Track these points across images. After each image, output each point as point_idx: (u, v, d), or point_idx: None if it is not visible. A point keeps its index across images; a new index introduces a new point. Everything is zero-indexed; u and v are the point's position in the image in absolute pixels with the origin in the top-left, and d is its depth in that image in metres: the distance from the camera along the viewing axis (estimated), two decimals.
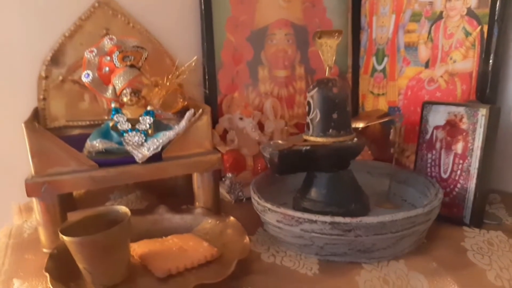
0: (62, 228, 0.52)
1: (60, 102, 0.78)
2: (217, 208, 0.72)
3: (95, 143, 0.66)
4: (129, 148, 0.66)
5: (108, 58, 0.73)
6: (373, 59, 0.94)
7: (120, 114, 0.70)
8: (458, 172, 0.66)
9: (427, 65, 0.81)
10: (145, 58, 0.75)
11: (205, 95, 0.87)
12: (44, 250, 0.62)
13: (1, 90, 0.77)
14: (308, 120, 0.65)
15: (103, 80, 0.73)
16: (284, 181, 0.76)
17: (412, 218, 0.55)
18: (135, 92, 0.72)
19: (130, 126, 0.69)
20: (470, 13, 0.72)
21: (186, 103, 0.84)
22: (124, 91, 0.71)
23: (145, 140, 0.67)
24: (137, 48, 0.74)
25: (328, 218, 0.54)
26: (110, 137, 0.70)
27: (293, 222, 0.57)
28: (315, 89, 0.63)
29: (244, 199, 0.80)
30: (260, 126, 0.87)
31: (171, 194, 0.83)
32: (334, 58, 0.67)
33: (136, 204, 0.80)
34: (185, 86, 0.85)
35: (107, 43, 0.74)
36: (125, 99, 0.72)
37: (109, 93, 0.73)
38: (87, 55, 0.73)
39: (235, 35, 0.86)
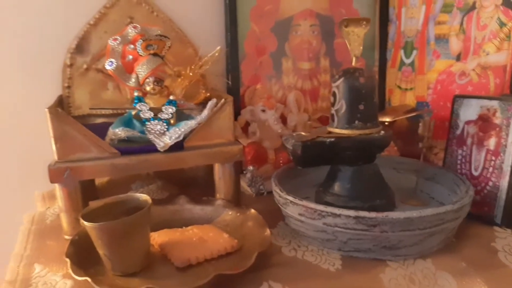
0: (83, 214, 0.52)
1: (84, 90, 0.78)
2: (237, 200, 0.71)
3: (118, 131, 0.66)
4: (151, 136, 0.66)
5: (132, 46, 0.73)
6: (401, 52, 0.91)
7: (142, 103, 0.70)
8: (490, 169, 0.63)
9: (458, 58, 0.78)
10: (169, 47, 0.74)
11: (227, 86, 0.86)
12: (66, 236, 0.63)
13: (27, 78, 0.78)
14: (333, 111, 0.63)
15: (126, 69, 0.73)
16: (306, 175, 0.74)
17: (441, 214, 0.52)
18: (158, 81, 0.72)
19: (152, 114, 0.68)
20: (506, 2, 0.68)
21: (208, 94, 0.83)
22: (147, 80, 0.71)
23: (167, 129, 0.66)
24: (161, 37, 0.73)
25: (352, 212, 0.53)
26: (133, 125, 0.69)
27: (316, 216, 0.55)
28: (341, 79, 0.61)
29: (265, 192, 0.78)
30: (283, 119, 0.86)
31: (192, 185, 0.83)
32: (361, 47, 0.65)
33: (157, 194, 0.79)
34: (208, 76, 0.85)
35: (130, 32, 0.74)
36: (147, 88, 0.71)
37: (132, 81, 0.73)
38: (111, 43, 0.73)
39: (259, 25, 0.85)
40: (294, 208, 0.58)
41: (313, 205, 0.55)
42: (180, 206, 0.69)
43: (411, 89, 0.89)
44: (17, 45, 0.77)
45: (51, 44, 0.77)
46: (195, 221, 0.65)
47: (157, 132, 0.66)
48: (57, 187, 0.61)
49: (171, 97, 0.72)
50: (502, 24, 0.69)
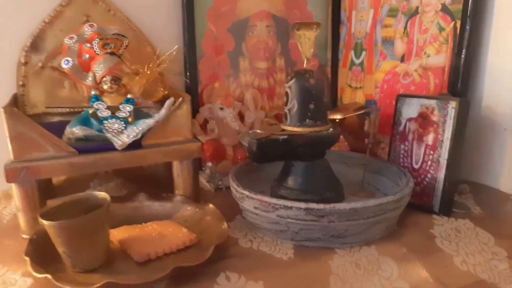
0: (41, 213, 0.52)
1: (40, 89, 0.77)
2: (196, 196, 0.73)
3: (75, 130, 0.67)
4: (108, 135, 0.67)
5: (88, 45, 0.73)
6: (352, 53, 0.96)
7: (100, 102, 0.70)
8: (429, 162, 0.69)
9: (402, 59, 0.83)
10: (126, 46, 0.75)
11: (186, 85, 0.88)
12: (23, 235, 0.63)
13: None
14: (286, 110, 0.67)
15: (83, 67, 0.73)
16: (262, 170, 0.78)
17: (383, 205, 0.57)
18: (115, 80, 0.73)
19: (110, 113, 0.69)
20: (444, 9, 0.74)
21: (166, 92, 0.85)
22: (104, 79, 0.72)
23: (125, 128, 0.67)
24: (118, 35, 0.73)
25: (302, 204, 0.56)
26: (90, 124, 0.70)
27: (270, 208, 0.59)
28: (293, 80, 0.65)
29: (224, 188, 0.81)
30: (241, 117, 0.89)
31: (151, 183, 0.84)
32: (312, 50, 0.69)
33: (116, 192, 0.80)
34: (166, 75, 0.86)
35: (87, 30, 0.74)
36: (105, 87, 0.72)
37: (89, 80, 0.73)
38: (67, 41, 0.73)
39: (216, 25, 0.87)
40: (250, 202, 0.61)
41: (267, 199, 0.59)
42: (139, 203, 0.71)
43: (360, 87, 0.95)
44: None
45: (5, 42, 0.76)
46: (154, 218, 0.67)
47: (115, 130, 0.67)
48: (13, 187, 0.61)
49: (129, 96, 0.73)
50: (441, 29, 0.75)
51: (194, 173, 0.73)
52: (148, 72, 0.82)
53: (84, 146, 0.65)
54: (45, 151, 0.61)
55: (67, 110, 0.78)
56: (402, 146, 0.74)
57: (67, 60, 0.72)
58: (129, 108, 0.71)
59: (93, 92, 0.72)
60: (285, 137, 0.64)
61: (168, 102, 0.69)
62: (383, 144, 0.88)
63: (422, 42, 0.79)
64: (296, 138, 0.64)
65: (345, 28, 0.98)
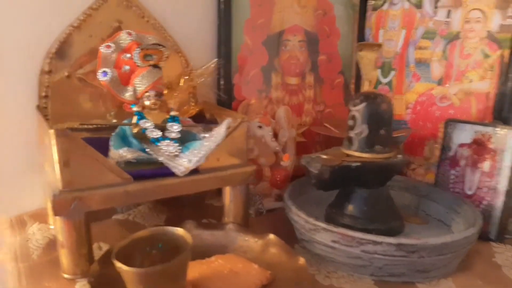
0: (116, 254, 0.45)
1: (64, 101, 0.68)
2: (246, 223, 0.68)
3: (122, 152, 0.59)
4: (161, 158, 0.59)
5: (128, 55, 0.65)
6: (378, 71, 0.95)
7: (145, 120, 0.63)
8: (485, 189, 0.69)
9: (439, 82, 0.84)
10: (166, 58, 0.68)
11: (219, 100, 0.82)
12: (66, 276, 0.54)
13: None
14: (352, 134, 0.64)
15: (121, 80, 0.66)
16: (307, 193, 0.74)
17: (469, 237, 0.56)
18: (159, 95, 0.66)
19: (160, 134, 0.62)
20: (490, 36, 0.75)
21: (199, 107, 0.78)
22: (147, 94, 0.65)
23: (182, 151, 0.60)
24: (159, 46, 0.67)
25: (393, 240, 0.54)
26: (129, 143, 0.62)
27: (354, 243, 0.55)
28: (363, 104, 0.62)
29: (264, 212, 0.76)
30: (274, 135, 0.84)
31: (178, 205, 0.77)
32: (373, 72, 0.67)
33: (152, 217, 0.72)
34: (198, 89, 0.80)
35: (125, 38, 0.66)
36: (147, 103, 0.65)
37: (128, 94, 0.66)
38: (104, 50, 0.65)
39: (252, 38, 0.82)
40: (327, 235, 0.57)
41: (351, 233, 0.55)
42: (188, 231, 0.64)
43: None
44: None
45: (27, 47, 0.65)
46: (206, 248, 0.61)
47: (171, 154, 0.60)
48: (58, 221, 0.52)
49: (173, 113, 0.66)
50: (486, 56, 0.76)
51: (246, 199, 0.67)
52: (184, 86, 0.75)
53: (137, 171, 0.57)
54: (99, 178, 0.53)
55: (94, 126, 0.69)
56: (453, 172, 0.73)
57: (105, 71, 0.64)
58: (176, 127, 0.64)
59: (135, 109, 0.65)
60: (358, 164, 0.61)
61: (226, 122, 0.63)
62: (413, 165, 0.88)
63: (463, 67, 0.79)
64: (368, 165, 0.61)
65: None
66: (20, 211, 0.70)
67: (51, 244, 0.61)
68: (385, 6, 0.92)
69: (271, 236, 0.62)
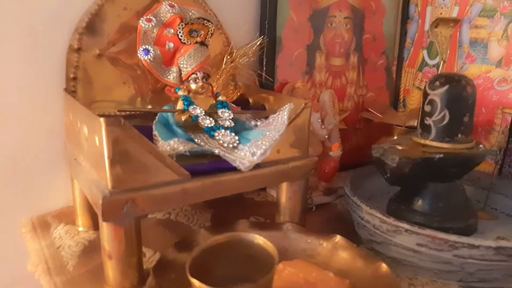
0: (190, 269, 0.37)
1: (95, 84, 0.58)
2: (303, 223, 0.60)
3: (173, 144, 0.50)
4: (218, 151, 0.51)
5: (172, 31, 0.56)
6: (424, 52, 0.88)
7: (194, 106, 0.55)
8: None
9: (498, 65, 0.77)
10: (211, 35, 0.59)
11: (259, 83, 0.73)
12: None
13: (21, 64, 0.56)
14: (429, 122, 0.56)
15: (164, 59, 0.57)
16: (363, 187, 0.67)
17: None
18: (207, 78, 0.57)
19: (213, 122, 0.54)
20: None
21: (241, 91, 0.70)
22: (194, 76, 0.56)
23: (240, 142, 0.52)
24: (204, 20, 0.58)
25: (492, 243, 0.47)
26: (174, 133, 0.54)
27: (445, 247, 0.48)
28: (445, 87, 0.54)
29: (314, 207, 0.69)
30: None
31: (220, 201, 0.69)
32: (448, 51, 0.59)
33: (198, 216, 0.64)
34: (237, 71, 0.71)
35: (166, 11, 0.57)
36: (193, 86, 0.57)
37: (172, 76, 0.57)
38: (144, 24, 0.56)
39: (297, 13, 0.73)
40: (411, 237, 0.50)
41: (443, 235, 0.48)
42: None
43: None
44: (11, 20, 0.54)
45: (54, 20, 0.56)
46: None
47: (230, 145, 0.51)
48: (104, 227, 0.44)
49: (220, 98, 0.58)
50: None
51: (305, 195, 0.60)
52: (227, 67, 0.67)
53: (192, 167, 0.48)
54: (154, 176, 0.45)
55: (129, 112, 0.60)
56: None
57: (147, 49, 0.55)
58: (228, 115, 0.56)
59: (180, 93, 0.56)
60: (441, 156, 0.54)
61: (287, 108, 0.54)
62: None
63: None
64: (451, 157, 0.54)
65: (415, 24, 0.89)
66: (42, 211, 0.62)
67: (87, 252, 0.53)
68: None
69: (338, 237, 0.55)
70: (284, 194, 0.58)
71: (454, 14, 0.82)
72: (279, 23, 0.71)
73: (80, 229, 0.59)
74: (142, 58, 0.55)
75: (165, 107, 0.59)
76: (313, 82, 0.79)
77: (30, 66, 0.56)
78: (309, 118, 0.56)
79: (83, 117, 0.48)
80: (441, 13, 0.84)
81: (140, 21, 0.55)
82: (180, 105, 0.56)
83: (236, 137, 0.52)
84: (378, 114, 0.82)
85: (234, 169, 0.50)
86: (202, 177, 0.48)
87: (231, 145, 0.51)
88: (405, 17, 0.90)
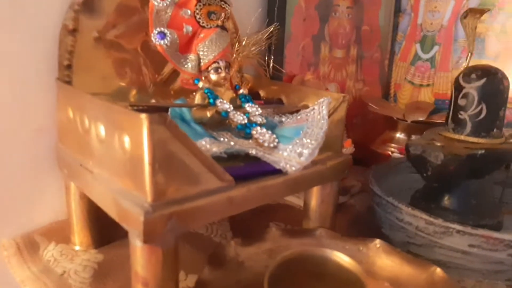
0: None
1: (92, 73, 0.49)
2: (334, 227, 0.55)
3: (206, 145, 0.42)
4: (254, 151, 0.44)
5: (189, 12, 0.48)
6: (417, 46, 0.87)
7: (221, 100, 0.47)
8: None
9: (496, 59, 0.77)
10: (228, 18, 0.52)
11: (266, 75, 0.67)
12: None
13: (5, 47, 0.44)
14: (464, 116, 0.54)
15: (180, 45, 0.49)
16: (384, 181, 0.64)
17: None
18: (229, 67, 0.50)
19: (246, 119, 0.47)
20: None
21: (250, 83, 0.63)
22: (215, 65, 0.49)
23: (279, 140, 0.46)
24: (221, 1, 0.50)
25: None
26: (196, 131, 0.47)
27: (500, 247, 0.46)
28: (483, 80, 0.52)
29: None
30: None
31: None
32: (475, 43, 0.57)
33: (215, 225, 0.56)
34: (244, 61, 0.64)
35: None
36: (214, 77, 0.49)
37: (189, 65, 0.49)
38: (157, 2, 0.47)
39: (306, 0, 0.68)
40: (463, 238, 0.47)
41: (498, 235, 0.46)
42: (273, 242, 0.50)
43: (427, 85, 0.86)
44: None
45: None
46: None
47: (271, 145, 0.45)
48: (139, 249, 0.35)
49: (242, 91, 0.51)
50: None
51: (337, 197, 0.55)
52: (238, 57, 0.59)
53: (231, 170, 0.41)
54: (198, 183, 0.37)
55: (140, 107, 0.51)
56: None
57: (162, 32, 0.46)
58: (256, 109, 0.49)
59: (201, 85, 0.48)
60: (483, 152, 0.51)
61: (326, 103, 0.49)
62: None
63: None
64: (492, 153, 0.52)
65: (408, 18, 0.87)
66: (27, 228, 0.50)
67: (99, 278, 0.43)
68: None
69: (378, 241, 0.51)
70: (316, 197, 0.53)
71: (450, 8, 0.81)
72: (288, 10, 0.65)
73: (77, 248, 0.49)
74: (157, 43, 0.46)
75: (178, 101, 0.51)
76: (318, 74, 0.74)
77: (14, 50, 0.45)
78: (345, 113, 0.51)
79: (99, 113, 0.38)
80: (435, 7, 0.83)
81: None
82: (198, 99, 0.49)
83: (274, 135, 0.46)
84: (377, 108, 0.79)
85: (275, 172, 0.43)
86: (247, 183, 0.41)
87: (271, 145, 0.45)
88: (397, 10, 0.88)
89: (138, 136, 0.33)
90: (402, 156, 0.76)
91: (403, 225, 0.52)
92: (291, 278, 0.35)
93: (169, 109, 0.48)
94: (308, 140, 0.45)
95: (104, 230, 0.50)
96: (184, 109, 0.48)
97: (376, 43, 0.85)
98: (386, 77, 0.90)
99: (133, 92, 0.55)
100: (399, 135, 0.79)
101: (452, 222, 0.47)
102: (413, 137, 0.78)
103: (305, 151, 0.43)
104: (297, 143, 0.45)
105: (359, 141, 0.83)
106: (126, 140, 0.35)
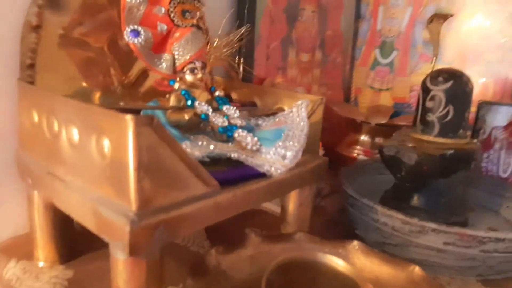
0: None
1: (58, 73, 0.45)
2: (311, 230, 0.55)
3: (186, 148, 0.41)
4: (236, 155, 0.43)
5: (163, 9, 0.46)
6: (376, 51, 0.90)
7: (200, 102, 0.46)
8: None
9: (451, 65, 0.81)
10: (201, 18, 0.51)
11: (237, 78, 0.66)
12: None
13: None
14: (432, 117, 0.56)
15: (154, 44, 0.46)
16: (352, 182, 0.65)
17: None
18: (205, 67, 0.49)
19: (226, 121, 0.45)
20: (510, 18, 0.75)
21: (221, 86, 0.62)
22: (191, 65, 0.47)
23: (261, 143, 0.45)
24: (193, 0, 0.49)
25: None
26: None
27: (474, 243, 0.48)
28: (450, 82, 0.54)
29: None
30: None
31: None
32: (438, 48, 0.60)
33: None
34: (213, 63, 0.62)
35: None
36: (189, 78, 0.48)
37: (163, 65, 0.47)
38: None
39: (274, 1, 0.68)
40: (438, 236, 0.48)
41: (472, 232, 0.47)
42: (254, 249, 0.49)
43: (387, 89, 0.89)
44: None
45: None
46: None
47: (254, 147, 0.43)
48: (121, 262, 0.33)
49: (218, 93, 0.50)
50: (506, 37, 0.75)
51: (315, 200, 0.54)
52: (209, 58, 0.58)
53: (214, 174, 0.39)
54: (184, 189, 0.35)
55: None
56: (485, 155, 0.71)
57: (136, 30, 0.44)
58: (234, 112, 0.48)
59: (177, 86, 0.47)
60: (452, 152, 0.53)
61: (304, 104, 0.48)
62: None
63: (481, 48, 0.78)
64: (460, 152, 0.54)
65: (367, 24, 0.90)
66: None
67: None
68: None
69: (355, 243, 0.51)
70: (294, 200, 0.52)
71: (407, 14, 0.85)
72: (258, 11, 0.64)
73: (42, 264, 0.45)
74: (130, 41, 0.43)
75: (151, 103, 0.48)
76: (286, 78, 0.74)
77: None
78: (322, 115, 0.51)
79: (73, 115, 0.35)
80: (393, 13, 0.86)
81: None
82: (174, 100, 0.47)
83: (256, 138, 0.44)
84: (341, 112, 0.80)
85: (259, 176, 0.42)
86: (232, 188, 0.39)
87: (254, 148, 0.43)
88: (356, 16, 0.90)
89: (121, 140, 0.31)
90: (367, 158, 0.78)
91: (378, 226, 0.53)
92: (288, 285, 0.34)
93: (141, 112, 0.46)
94: (291, 143, 0.44)
95: (72, 243, 0.46)
96: (158, 112, 0.46)
97: (338, 48, 0.86)
98: (348, 82, 0.92)
99: (97, 94, 0.51)
100: (363, 137, 0.81)
101: (428, 221, 0.49)
102: (377, 139, 0.80)
103: (289, 154, 0.43)
104: (280, 146, 0.44)
105: (325, 144, 0.84)
106: (106, 144, 0.33)
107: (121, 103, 0.51)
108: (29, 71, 0.42)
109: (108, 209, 0.32)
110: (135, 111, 0.45)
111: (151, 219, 0.32)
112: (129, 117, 0.30)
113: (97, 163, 0.34)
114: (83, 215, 0.35)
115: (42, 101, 0.39)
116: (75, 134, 0.35)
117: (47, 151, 0.39)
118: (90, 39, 0.47)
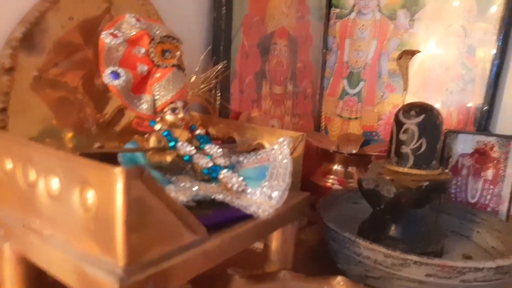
0: None
1: (32, 116, 0.43)
2: (293, 267, 0.54)
3: (170, 193, 0.39)
4: (223, 196, 0.42)
5: (143, 50, 0.46)
6: (344, 82, 0.92)
7: (183, 143, 0.45)
8: (488, 196, 0.72)
9: (415, 94, 0.85)
10: (180, 56, 0.51)
11: (219, 112, 0.66)
12: None
13: None
14: (406, 150, 0.58)
15: (134, 85, 0.46)
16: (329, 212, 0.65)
17: None
18: (187, 108, 0.48)
19: (211, 161, 0.45)
20: (470, 50, 0.79)
21: (199, 122, 0.61)
22: (173, 105, 0.47)
23: (246, 183, 0.44)
24: (173, 39, 0.49)
25: (492, 263, 0.49)
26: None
27: (454, 274, 0.49)
28: (422, 116, 0.57)
29: None
30: None
31: None
32: (408, 82, 0.62)
33: None
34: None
35: (131, 25, 0.46)
36: (170, 118, 0.47)
37: (144, 106, 0.46)
38: (108, 40, 0.43)
39: (248, 38, 0.69)
40: (420, 269, 0.49)
41: (451, 263, 0.49)
42: None
43: (355, 118, 0.92)
44: None
45: None
46: None
47: (239, 189, 0.43)
48: None
49: (199, 131, 0.50)
50: (466, 68, 0.80)
51: (297, 236, 0.54)
52: (189, 95, 0.58)
53: (200, 219, 0.38)
54: (172, 239, 0.34)
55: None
56: (454, 181, 0.74)
57: (116, 72, 0.43)
58: (216, 150, 0.47)
59: (158, 127, 0.46)
60: (427, 183, 0.55)
61: (287, 141, 0.49)
62: None
63: (443, 79, 0.82)
64: (434, 183, 0.56)
65: (335, 55, 0.93)
66: None
67: None
68: (352, 15, 0.90)
69: (339, 278, 0.51)
70: (278, 237, 0.51)
71: (372, 47, 0.88)
72: (233, 47, 0.65)
73: None
74: (110, 84, 0.42)
75: (128, 145, 0.47)
76: (260, 110, 0.74)
77: None
78: (303, 151, 0.51)
79: (53, 164, 0.33)
80: (359, 46, 0.90)
81: (103, 36, 0.43)
82: (154, 141, 0.46)
83: (241, 178, 0.44)
84: (314, 142, 0.82)
85: (245, 218, 0.42)
86: (220, 233, 0.38)
87: (240, 189, 0.43)
88: (324, 48, 0.93)
89: (108, 193, 0.29)
90: (341, 187, 0.79)
91: (360, 259, 0.53)
92: None
93: (119, 155, 0.45)
94: (276, 182, 0.44)
95: None
96: (139, 154, 0.45)
97: (308, 79, 0.88)
98: (318, 111, 0.94)
99: (69, 134, 0.49)
100: (337, 167, 0.82)
101: (408, 252, 0.50)
102: (350, 168, 0.81)
103: (275, 194, 0.43)
104: (266, 186, 0.43)
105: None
106: (90, 196, 0.31)
107: (97, 144, 0.50)
108: (1, 115, 0.40)
109: (93, 266, 0.31)
110: (114, 154, 0.44)
111: (140, 275, 0.30)
112: (118, 170, 0.28)
113: (80, 216, 0.32)
114: (63, 271, 0.33)
115: (17, 148, 0.37)
116: (54, 184, 0.34)
117: (22, 202, 0.37)
118: (65, 79, 0.46)
